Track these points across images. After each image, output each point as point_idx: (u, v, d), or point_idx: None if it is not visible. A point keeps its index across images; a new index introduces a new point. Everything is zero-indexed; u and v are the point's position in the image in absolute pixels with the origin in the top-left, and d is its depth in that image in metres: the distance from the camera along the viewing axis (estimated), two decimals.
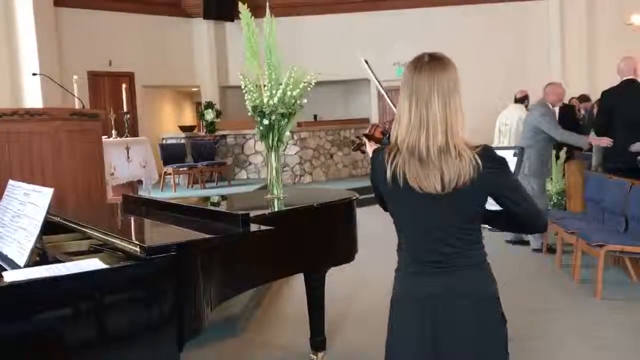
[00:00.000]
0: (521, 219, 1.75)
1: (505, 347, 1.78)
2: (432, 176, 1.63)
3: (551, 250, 5.83)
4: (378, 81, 2.66)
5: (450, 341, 1.71)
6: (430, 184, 1.63)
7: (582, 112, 8.74)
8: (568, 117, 7.73)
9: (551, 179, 6.78)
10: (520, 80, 10.20)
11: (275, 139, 3.34)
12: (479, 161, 1.61)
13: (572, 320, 4.08)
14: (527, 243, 6.20)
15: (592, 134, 6.25)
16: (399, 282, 1.81)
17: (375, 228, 4.70)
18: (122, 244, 2.09)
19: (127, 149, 6.61)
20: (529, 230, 1.91)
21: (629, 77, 5.61)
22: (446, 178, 1.62)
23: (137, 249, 1.97)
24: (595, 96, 8.04)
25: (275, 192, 3.38)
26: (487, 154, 1.64)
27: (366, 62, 2.67)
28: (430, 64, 1.68)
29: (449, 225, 1.69)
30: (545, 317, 4.14)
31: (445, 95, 1.64)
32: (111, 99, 11.05)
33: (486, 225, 1.83)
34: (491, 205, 1.76)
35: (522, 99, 7.59)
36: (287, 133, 3.42)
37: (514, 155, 2.08)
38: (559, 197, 6.73)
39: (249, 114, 3.37)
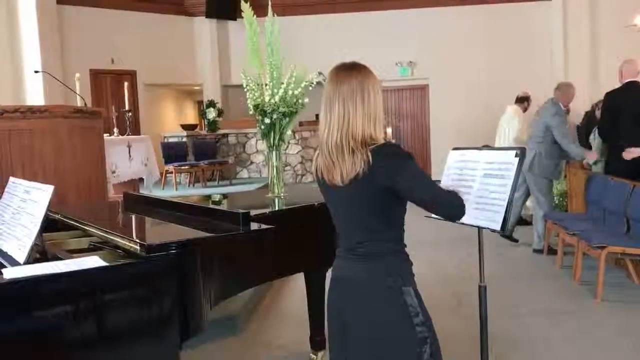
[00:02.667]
0: (433, 211, 1.91)
1: (415, 343, 1.81)
2: (335, 170, 1.81)
3: (552, 251, 5.83)
4: None
5: (352, 326, 1.87)
6: (334, 177, 1.82)
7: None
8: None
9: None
10: (523, 81, 10.19)
11: (277, 137, 3.34)
12: (370, 157, 1.75)
13: (573, 322, 4.07)
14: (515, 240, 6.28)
15: (593, 136, 6.26)
16: (332, 267, 2.00)
17: None
18: (123, 241, 2.09)
19: (129, 147, 6.61)
20: (447, 217, 1.96)
21: (632, 80, 5.60)
22: (343, 172, 1.79)
23: (138, 247, 1.97)
24: (597, 97, 8.01)
25: (276, 191, 3.37)
26: (381, 151, 1.77)
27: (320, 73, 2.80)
28: (337, 71, 1.87)
29: (355, 215, 1.86)
30: (545, 318, 4.13)
31: (345, 98, 1.80)
32: (113, 97, 11.05)
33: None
34: None
35: (521, 99, 7.59)
36: (289, 132, 3.41)
37: (516, 155, 2.09)
38: (561, 198, 6.72)
39: (250, 112, 3.36)
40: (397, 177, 1.75)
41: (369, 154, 1.75)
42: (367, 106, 1.80)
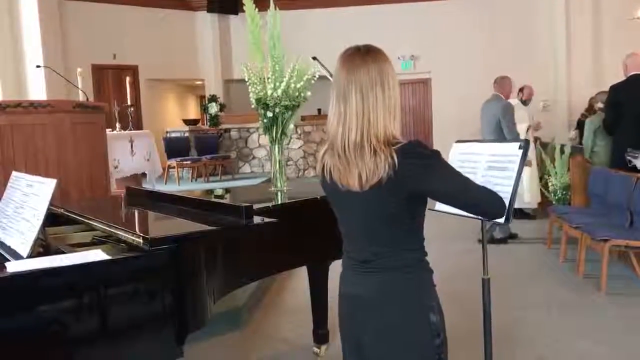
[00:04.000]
0: (470, 211, 1.71)
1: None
2: (351, 173, 1.58)
3: (512, 237, 6.14)
4: (331, 76, 2.68)
5: (369, 346, 1.67)
6: (349, 181, 1.59)
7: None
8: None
9: (555, 172, 6.76)
10: (525, 76, 10.15)
11: (279, 131, 3.33)
12: (396, 158, 1.51)
13: (576, 315, 4.07)
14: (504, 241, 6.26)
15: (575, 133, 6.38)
16: (340, 279, 1.78)
17: None
18: (126, 235, 2.09)
19: (131, 142, 6.61)
20: (489, 216, 1.82)
21: (636, 72, 5.58)
22: (363, 176, 1.55)
23: (140, 240, 1.96)
24: (598, 89, 8.01)
25: (278, 184, 3.37)
26: (407, 149, 1.54)
27: (315, 58, 2.67)
28: (351, 56, 1.61)
29: (372, 224, 1.63)
30: (548, 312, 4.13)
31: (363, 88, 1.56)
32: (115, 92, 11.04)
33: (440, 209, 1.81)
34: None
35: (518, 91, 7.60)
36: (291, 126, 3.41)
37: (519, 148, 2.07)
38: (563, 192, 6.71)
39: (253, 106, 3.35)
40: (431, 180, 1.55)
41: (395, 154, 1.52)
42: (388, 98, 1.57)
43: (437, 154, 1.58)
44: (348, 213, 1.69)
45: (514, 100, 7.41)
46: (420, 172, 1.54)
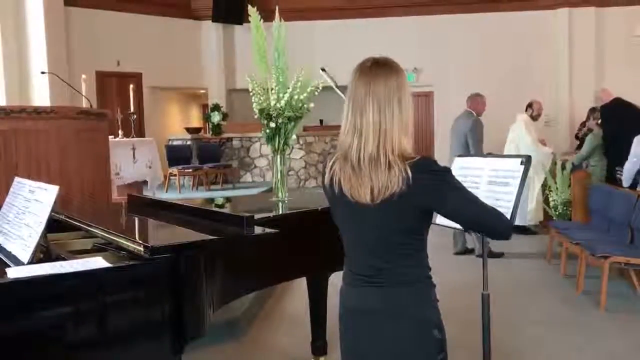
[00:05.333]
0: (477, 229, 1.73)
1: None
2: (363, 186, 1.57)
3: (494, 255, 5.94)
4: (337, 87, 2.70)
5: (372, 358, 1.66)
6: (360, 193, 1.58)
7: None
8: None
9: (557, 188, 6.76)
10: (528, 90, 10.17)
11: (282, 142, 3.34)
12: (409, 173, 1.52)
13: (575, 331, 4.05)
14: (472, 251, 6.24)
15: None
16: (340, 294, 1.77)
17: None
18: (126, 243, 2.09)
19: (133, 149, 6.63)
20: (493, 236, 1.78)
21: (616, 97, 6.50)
22: (375, 189, 1.55)
23: (141, 248, 1.96)
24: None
25: (280, 195, 3.37)
26: (421, 165, 1.54)
27: (323, 70, 2.69)
28: (370, 68, 1.61)
29: (380, 238, 1.62)
30: (547, 328, 4.12)
31: (381, 101, 1.57)
32: (118, 99, 11.06)
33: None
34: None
35: (526, 107, 7.58)
36: (293, 136, 3.42)
37: (521, 163, 2.08)
38: (564, 208, 6.70)
39: (256, 116, 3.37)
40: (443, 197, 1.56)
41: (409, 170, 1.53)
42: (404, 113, 1.58)
43: (449, 171, 1.59)
44: (355, 226, 1.67)
45: (523, 116, 7.43)
46: (433, 188, 1.55)
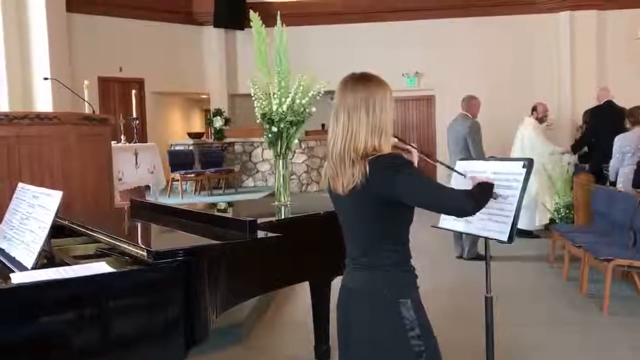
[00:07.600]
0: (442, 211, 2.03)
1: (410, 357, 1.79)
2: (337, 179, 1.84)
3: (479, 257, 5.85)
4: None
5: (353, 340, 1.88)
6: (336, 186, 1.85)
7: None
8: None
9: (559, 191, 6.75)
10: (529, 93, 10.18)
11: (284, 146, 3.35)
12: (367, 168, 1.76)
13: (578, 334, 4.05)
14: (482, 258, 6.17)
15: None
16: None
17: None
18: (130, 248, 2.10)
19: (136, 154, 6.64)
20: (458, 214, 2.05)
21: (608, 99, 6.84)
22: (344, 182, 1.81)
23: (144, 253, 1.97)
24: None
25: (282, 199, 3.38)
26: (378, 161, 1.77)
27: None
28: (346, 82, 1.87)
29: (355, 224, 1.88)
30: (550, 332, 4.11)
31: (350, 110, 1.81)
32: (121, 105, 11.11)
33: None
34: None
35: (531, 110, 7.56)
36: (295, 141, 3.43)
37: (523, 166, 2.08)
38: (567, 211, 6.69)
39: (258, 121, 3.38)
40: (395, 185, 1.74)
41: (367, 165, 1.76)
42: (373, 119, 1.80)
43: (406, 163, 1.81)
44: (341, 215, 1.94)
45: (530, 119, 7.42)
46: (383, 177, 1.76)
